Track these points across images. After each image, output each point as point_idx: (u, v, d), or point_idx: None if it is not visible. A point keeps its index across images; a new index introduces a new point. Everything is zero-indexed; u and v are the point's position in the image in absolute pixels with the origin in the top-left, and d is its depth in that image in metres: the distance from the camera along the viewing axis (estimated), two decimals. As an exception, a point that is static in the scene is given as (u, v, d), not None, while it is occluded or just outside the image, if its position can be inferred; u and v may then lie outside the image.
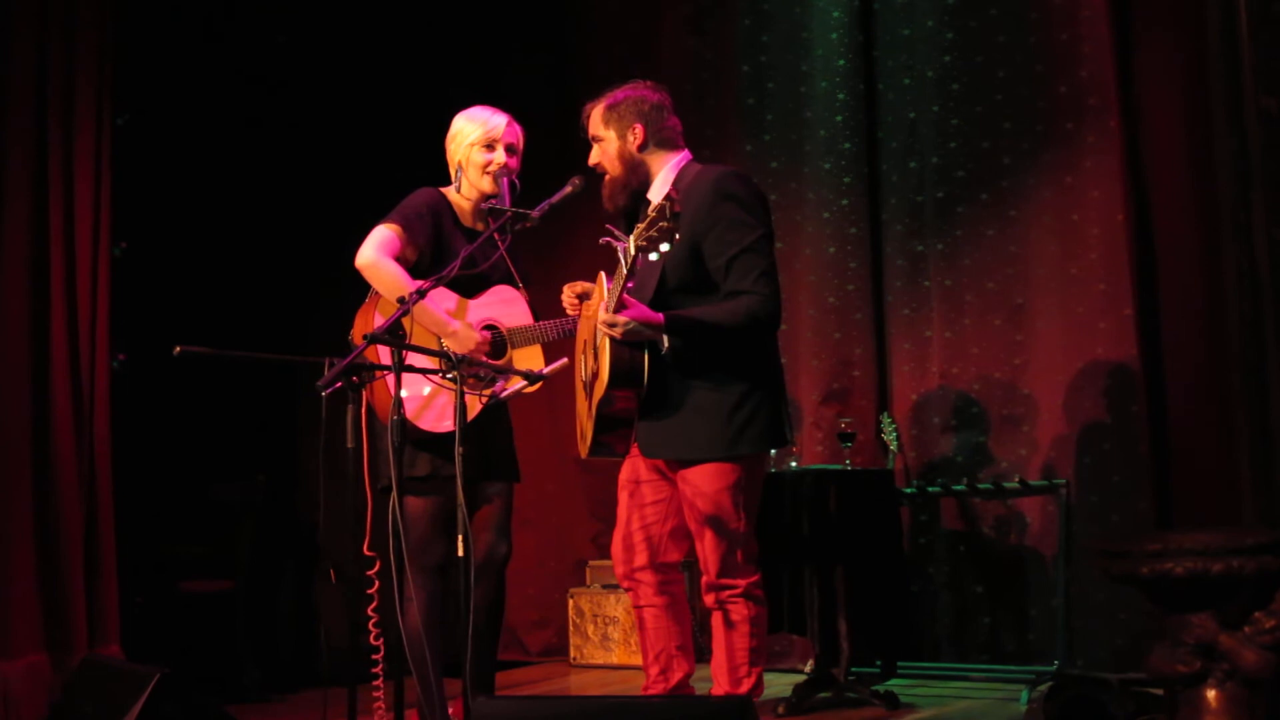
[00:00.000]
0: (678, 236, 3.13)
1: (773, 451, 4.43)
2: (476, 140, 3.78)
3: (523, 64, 6.22)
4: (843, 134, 5.62)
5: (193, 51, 5.60)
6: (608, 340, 3.37)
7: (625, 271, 3.31)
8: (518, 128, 3.86)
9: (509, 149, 3.80)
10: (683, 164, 3.56)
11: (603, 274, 3.56)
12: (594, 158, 3.62)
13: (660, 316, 3.34)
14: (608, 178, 3.59)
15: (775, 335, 3.55)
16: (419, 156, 4.35)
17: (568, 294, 3.74)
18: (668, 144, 3.57)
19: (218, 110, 5.70)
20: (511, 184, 3.78)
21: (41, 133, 4.71)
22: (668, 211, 3.10)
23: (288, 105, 5.88)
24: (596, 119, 3.60)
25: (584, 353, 3.67)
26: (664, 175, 3.54)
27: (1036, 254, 5.19)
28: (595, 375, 3.49)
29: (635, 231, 3.18)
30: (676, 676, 3.58)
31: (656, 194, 3.49)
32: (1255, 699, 2.85)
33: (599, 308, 3.44)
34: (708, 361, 3.41)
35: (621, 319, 3.30)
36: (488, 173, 3.77)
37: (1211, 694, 2.87)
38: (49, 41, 4.75)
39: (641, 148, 3.54)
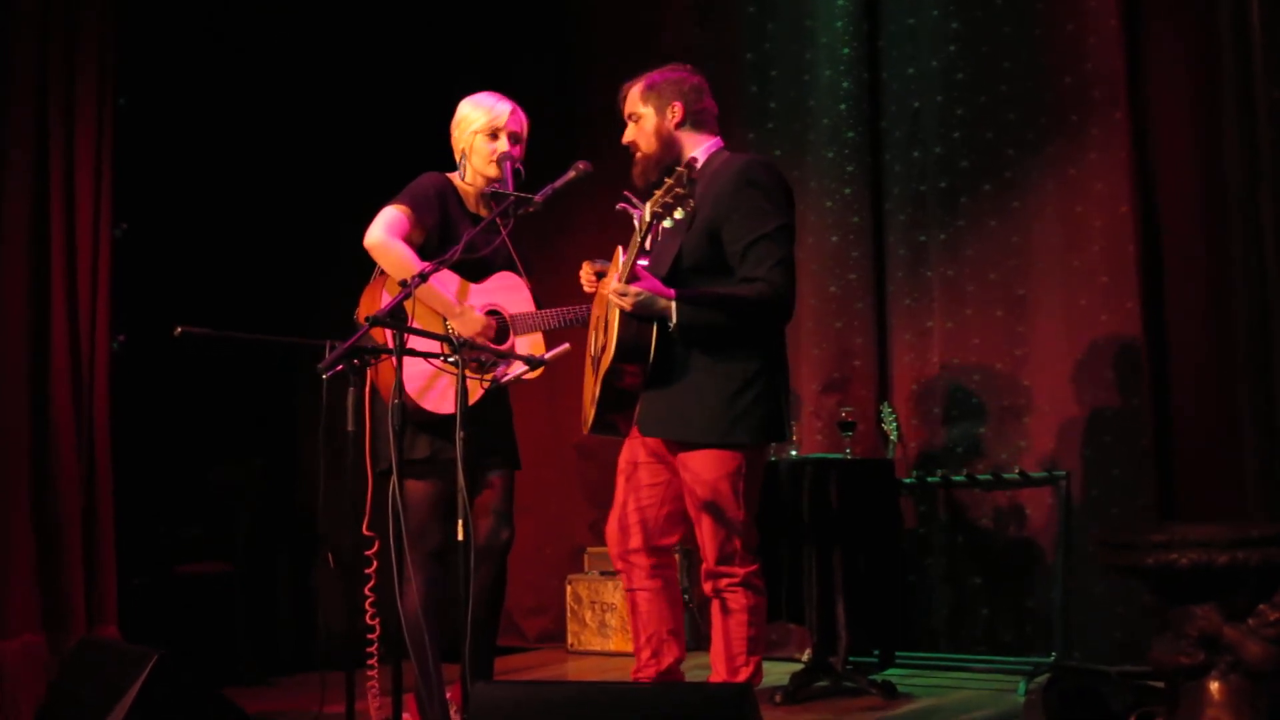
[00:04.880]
0: (692, 203, 3.14)
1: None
2: (480, 128, 3.77)
3: (525, 56, 6.19)
4: (846, 123, 5.61)
5: (196, 34, 5.58)
6: (617, 312, 3.37)
7: (639, 240, 3.31)
8: (522, 115, 3.85)
9: (513, 137, 3.79)
10: (713, 150, 3.57)
11: (620, 248, 3.56)
12: (629, 135, 3.62)
13: (672, 292, 3.35)
14: (640, 154, 3.59)
15: (783, 328, 3.54)
16: (421, 141, 4.34)
17: (587, 271, 3.74)
18: (702, 125, 3.59)
19: (220, 91, 5.67)
20: (516, 170, 3.77)
21: (42, 113, 4.69)
22: (684, 178, 3.12)
23: (291, 88, 5.85)
24: (635, 96, 3.61)
25: (596, 328, 3.67)
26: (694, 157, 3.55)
27: (1039, 245, 5.19)
28: (604, 349, 3.49)
29: (652, 198, 3.19)
30: (668, 660, 3.58)
31: None
32: (1258, 691, 2.84)
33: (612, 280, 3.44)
34: (714, 344, 3.41)
35: (632, 289, 3.31)
36: (492, 161, 3.76)
37: (1214, 686, 2.86)
38: (51, 22, 4.72)
39: (679, 125, 3.56)
